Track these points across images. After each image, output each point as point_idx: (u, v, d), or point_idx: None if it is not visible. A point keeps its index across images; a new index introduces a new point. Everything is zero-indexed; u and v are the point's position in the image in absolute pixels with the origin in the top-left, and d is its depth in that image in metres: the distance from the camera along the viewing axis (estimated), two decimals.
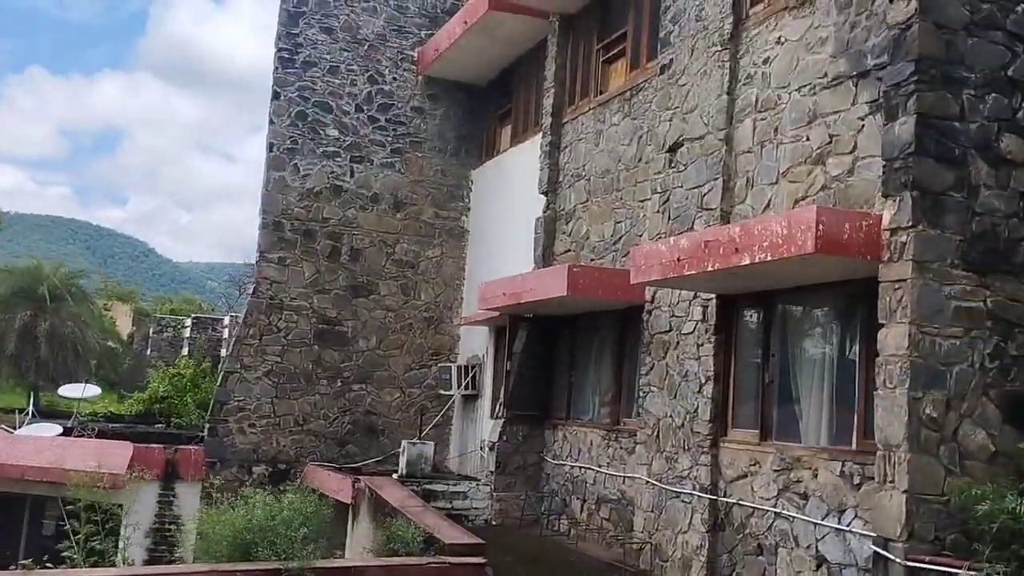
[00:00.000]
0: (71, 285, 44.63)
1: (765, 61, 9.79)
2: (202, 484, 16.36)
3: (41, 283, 42.97)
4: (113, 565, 13.90)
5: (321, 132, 17.55)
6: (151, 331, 54.96)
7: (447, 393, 17.38)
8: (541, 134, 15.02)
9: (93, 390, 21.54)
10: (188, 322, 51.57)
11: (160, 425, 21.17)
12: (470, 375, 16.82)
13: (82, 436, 18.64)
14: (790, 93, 9.34)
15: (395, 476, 15.07)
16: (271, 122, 17.37)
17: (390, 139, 18.03)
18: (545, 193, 14.68)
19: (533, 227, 14.86)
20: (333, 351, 17.37)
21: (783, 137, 9.37)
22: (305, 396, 17.10)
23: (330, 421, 17.23)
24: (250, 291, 17.10)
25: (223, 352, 43.73)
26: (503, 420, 14.07)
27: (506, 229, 16.68)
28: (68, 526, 16.15)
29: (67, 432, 18.52)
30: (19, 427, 18.16)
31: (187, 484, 16.35)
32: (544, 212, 14.68)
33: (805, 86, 9.13)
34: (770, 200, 9.47)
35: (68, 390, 22.04)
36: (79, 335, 43.46)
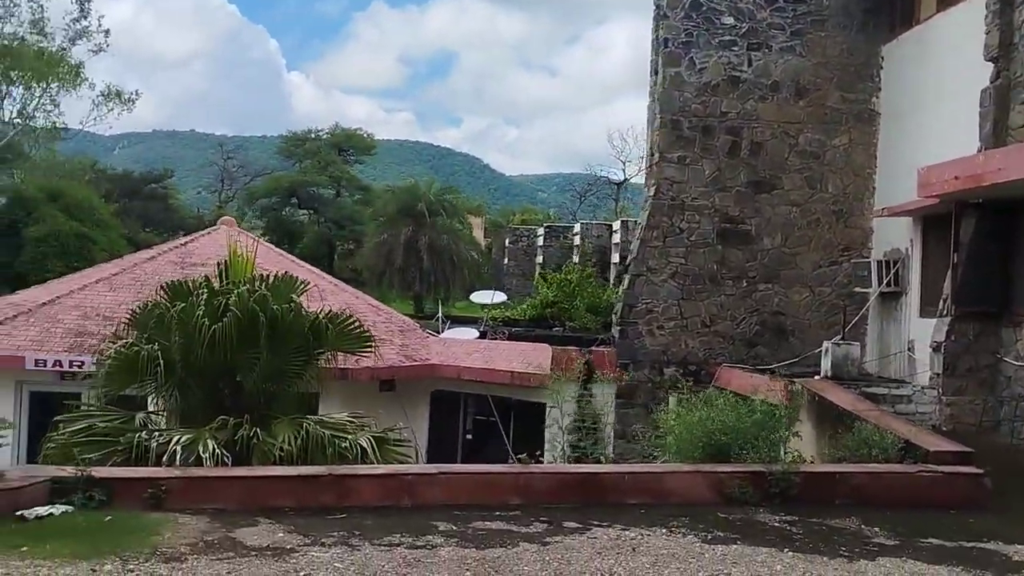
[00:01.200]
0: (443, 201, 47.91)
1: None
2: (616, 384, 16.72)
3: (419, 200, 46.52)
4: (539, 461, 14.61)
5: (716, 21, 16.70)
6: (507, 241, 57.92)
7: (863, 290, 16.20)
8: None
9: (500, 296, 22.80)
10: (540, 231, 53.68)
11: (558, 328, 21.99)
12: (892, 270, 15.49)
13: (494, 339, 19.82)
14: None
15: (817, 378, 14.36)
16: (664, 16, 16.79)
17: (789, 20, 16.75)
18: (994, 59, 12.81)
19: (977, 101, 13.08)
20: (737, 250, 16.80)
21: None
22: (711, 297, 16.75)
23: (737, 322, 16.79)
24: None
25: (574, 259, 45.12)
26: (950, 318, 12.74)
27: (932, 107, 14.94)
28: (497, 421, 17.26)
29: (481, 336, 19.75)
30: (441, 332, 19.62)
31: (602, 384, 16.75)
32: (993, 82, 12.84)
33: None
34: None
35: (478, 296, 23.53)
36: (453, 247, 46.77)
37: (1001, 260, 12.57)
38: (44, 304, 16.06)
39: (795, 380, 13.31)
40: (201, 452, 9.05)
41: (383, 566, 6.56)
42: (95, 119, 63.00)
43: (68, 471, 8.07)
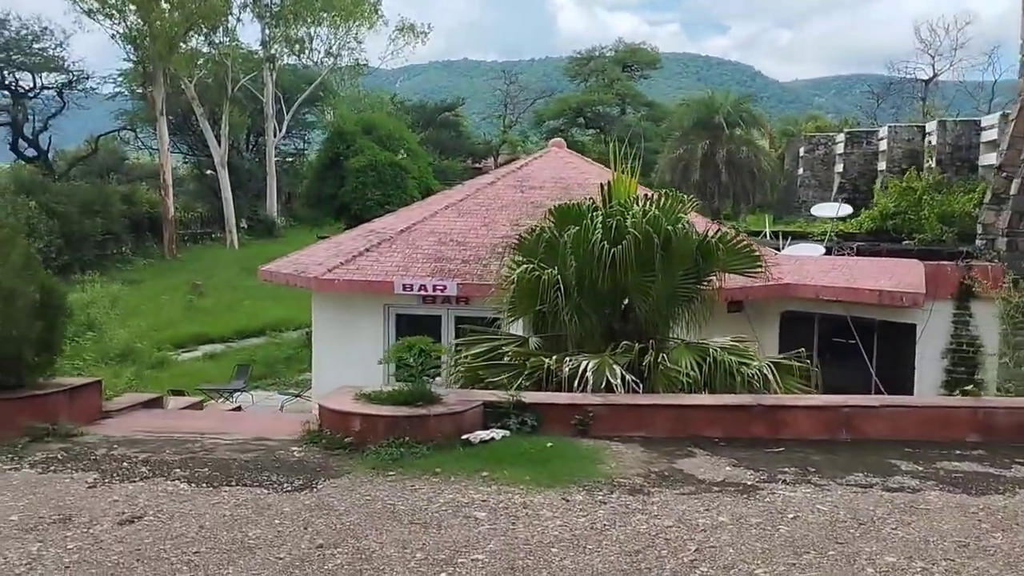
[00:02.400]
0: (742, 111, 45.84)
1: None
2: (1004, 303, 14.94)
3: (715, 112, 44.77)
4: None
5: None
6: (801, 151, 54.69)
7: None
8: None
9: (846, 209, 21.19)
10: (839, 138, 50.08)
11: (908, 241, 20.14)
12: None
13: (841, 255, 18.45)
14: None
15: None
16: None
17: None
18: None
19: None
20: None
21: None
22: None
23: None
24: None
25: (880, 166, 41.57)
26: None
27: None
28: (858, 344, 16.03)
29: (827, 252, 18.45)
30: (782, 249, 18.54)
31: (984, 303, 15.06)
32: None
33: None
34: None
35: (819, 210, 22.08)
36: (753, 159, 44.79)
37: None
38: (402, 231, 16.77)
39: None
40: (610, 378, 8.81)
41: (872, 510, 5.93)
42: (392, 53, 66.45)
43: (499, 395, 8.12)
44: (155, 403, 9.47)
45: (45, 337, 7.86)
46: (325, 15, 54.84)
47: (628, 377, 8.82)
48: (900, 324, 15.39)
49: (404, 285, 15.43)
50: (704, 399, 8.32)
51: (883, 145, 43.70)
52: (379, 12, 58.99)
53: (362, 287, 15.68)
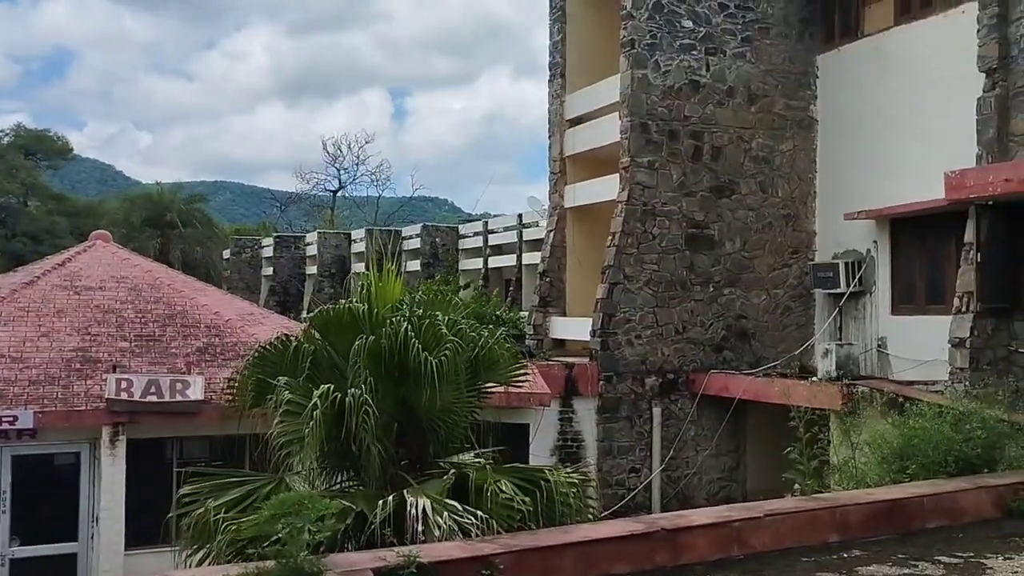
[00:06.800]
0: (195, 209, 43.70)
1: None
2: (598, 398, 15.97)
3: (166, 209, 42.02)
4: None
5: (677, 24, 16.47)
6: (226, 253, 54.29)
7: (831, 291, 16.60)
8: (979, 6, 14.01)
9: None
10: (268, 241, 50.88)
11: None
12: (860, 271, 16.19)
13: None
14: None
15: (814, 380, 14.72)
16: (630, 16, 16.28)
17: (739, 27, 16.95)
18: (991, 71, 13.80)
19: (945, 110, 14.22)
20: (703, 255, 16.71)
21: None
22: (682, 303, 16.50)
23: (706, 327, 16.69)
24: None
25: (310, 270, 43.18)
26: (972, 314, 13.51)
27: (896, 117, 15.82)
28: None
29: None
30: None
31: (583, 399, 15.94)
32: (989, 91, 13.83)
33: None
34: None
35: None
36: (209, 260, 42.81)
37: (1013, 258, 13.57)
38: None
39: (856, 384, 13.45)
40: (438, 519, 7.07)
41: None
42: None
43: (388, 559, 5.92)
44: None
45: None
46: None
47: (480, 514, 7.20)
48: (513, 424, 15.48)
49: None
50: (604, 530, 7.08)
51: (311, 250, 45.33)
52: None
53: None
